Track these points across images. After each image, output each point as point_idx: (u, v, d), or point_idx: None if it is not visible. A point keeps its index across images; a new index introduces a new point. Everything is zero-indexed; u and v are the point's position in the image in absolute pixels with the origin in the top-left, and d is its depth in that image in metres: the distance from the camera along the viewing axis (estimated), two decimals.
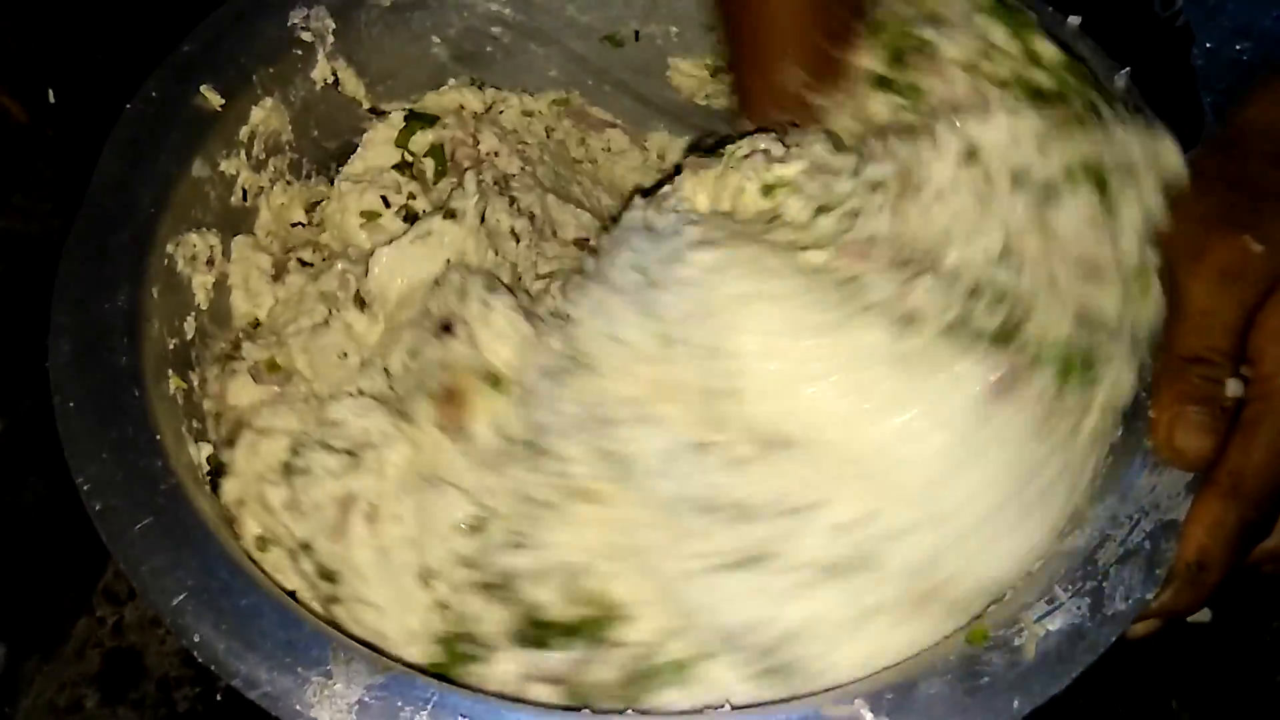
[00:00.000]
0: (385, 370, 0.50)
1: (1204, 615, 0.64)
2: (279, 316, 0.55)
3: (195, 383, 0.50)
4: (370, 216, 0.57)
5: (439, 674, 0.39)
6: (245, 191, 0.55)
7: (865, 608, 0.39)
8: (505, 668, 0.42)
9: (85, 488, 0.41)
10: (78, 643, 0.64)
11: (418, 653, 0.43)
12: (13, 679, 0.63)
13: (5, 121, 0.57)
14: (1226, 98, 0.86)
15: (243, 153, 0.55)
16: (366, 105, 0.61)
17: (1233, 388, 0.41)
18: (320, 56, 0.57)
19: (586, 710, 0.38)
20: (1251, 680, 0.64)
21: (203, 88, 0.52)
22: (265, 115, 0.55)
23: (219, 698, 0.62)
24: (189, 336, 0.50)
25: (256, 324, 0.55)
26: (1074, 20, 0.55)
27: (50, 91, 0.59)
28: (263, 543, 0.46)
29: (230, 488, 0.47)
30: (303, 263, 0.58)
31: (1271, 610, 0.66)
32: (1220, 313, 0.42)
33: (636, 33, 0.66)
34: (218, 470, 0.48)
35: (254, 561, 0.43)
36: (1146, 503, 0.41)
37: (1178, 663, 0.64)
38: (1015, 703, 0.37)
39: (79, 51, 0.62)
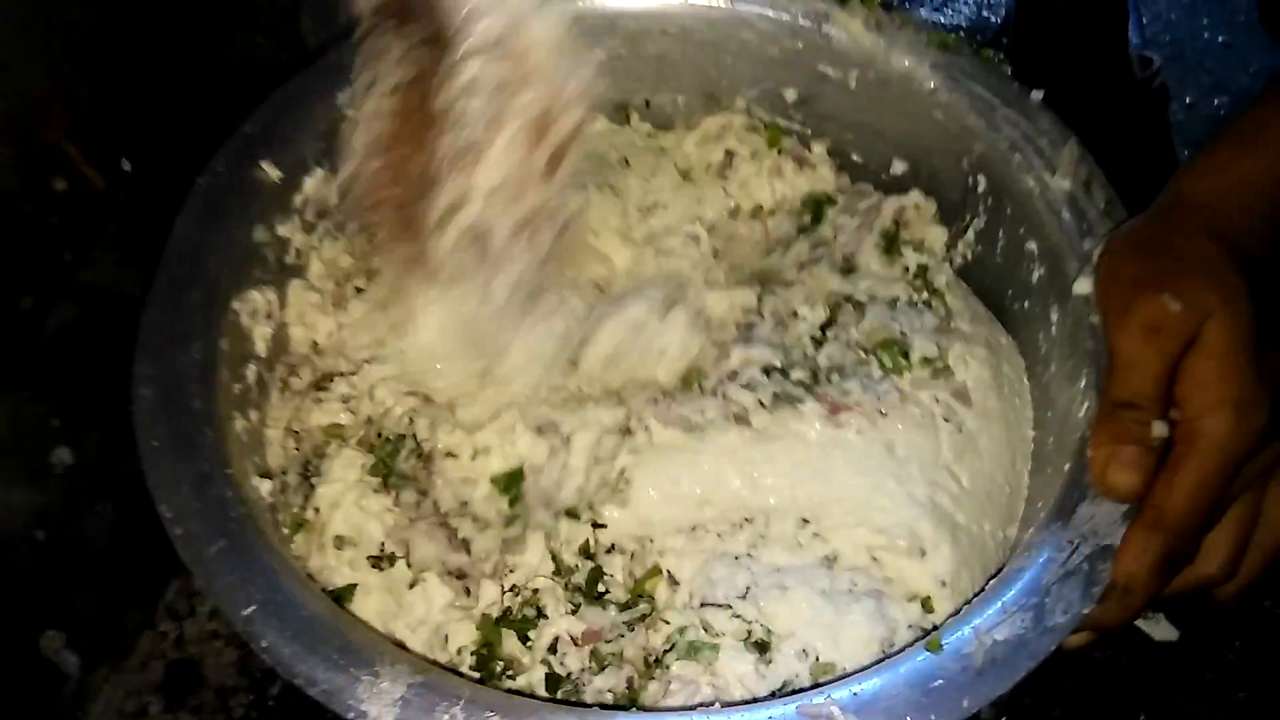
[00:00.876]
0: None
1: (1172, 634, 0.69)
2: (347, 340, 0.62)
3: (256, 420, 0.57)
4: None
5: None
6: (298, 251, 0.63)
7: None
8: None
9: (168, 515, 0.48)
10: (142, 655, 0.71)
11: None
12: (83, 688, 0.69)
13: (87, 188, 0.64)
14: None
15: (297, 218, 0.62)
16: None
17: (1158, 429, 0.47)
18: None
19: (596, 708, 0.45)
20: (1215, 696, 0.69)
21: (263, 163, 0.59)
22: (316, 184, 0.62)
23: (271, 704, 0.68)
24: (250, 381, 0.57)
25: (314, 345, 0.63)
26: (1037, 94, 0.61)
27: (124, 161, 0.66)
28: (340, 541, 0.53)
29: (325, 492, 0.55)
30: (358, 290, 0.65)
31: (1233, 631, 0.71)
32: (1145, 363, 0.47)
33: (647, 101, 0.73)
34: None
35: (310, 576, 0.49)
36: (1086, 529, 0.47)
37: (1147, 679, 0.69)
38: (965, 702, 0.43)
39: (148, 126, 0.69)
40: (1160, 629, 0.70)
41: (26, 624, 0.67)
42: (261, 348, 0.59)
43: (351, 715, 0.42)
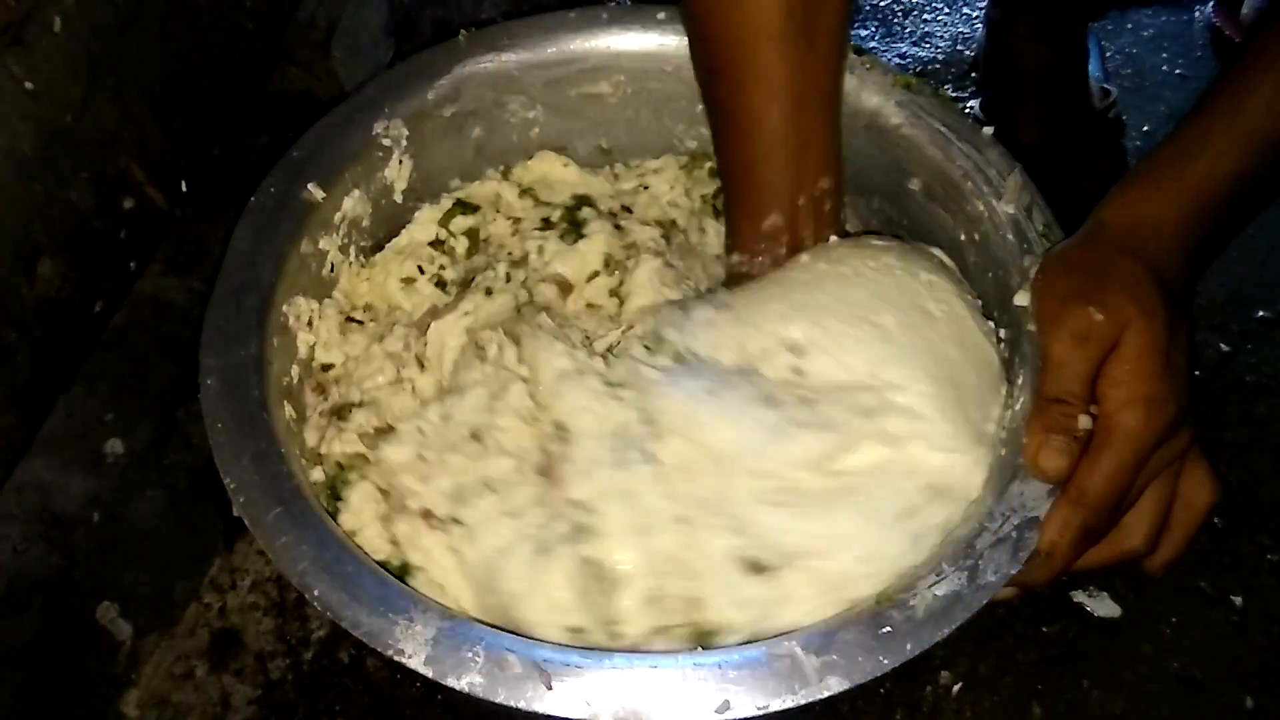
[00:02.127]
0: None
1: (1114, 611, 0.77)
2: (352, 370, 0.68)
3: (294, 412, 0.65)
4: (408, 281, 0.72)
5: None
6: (333, 265, 0.71)
7: None
8: None
9: (231, 486, 0.55)
10: (189, 623, 0.78)
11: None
12: (136, 652, 0.76)
13: (150, 207, 0.72)
14: None
15: (335, 234, 0.70)
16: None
17: (1084, 422, 0.54)
18: (394, 157, 0.73)
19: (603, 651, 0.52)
20: (1152, 667, 0.76)
21: (309, 185, 0.67)
22: (353, 204, 0.70)
23: (305, 668, 0.76)
24: (295, 378, 0.65)
25: (326, 367, 0.69)
26: (987, 130, 0.69)
27: (183, 182, 0.74)
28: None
29: (345, 519, 0.60)
30: (352, 319, 0.71)
31: (1169, 608, 0.78)
32: (1073, 365, 0.55)
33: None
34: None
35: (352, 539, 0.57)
36: (1016, 504, 0.54)
37: (1091, 651, 0.77)
38: (908, 645, 0.50)
39: (202, 150, 0.77)
40: (1103, 606, 0.77)
41: (84, 596, 0.73)
42: (303, 350, 0.67)
43: (390, 652, 0.50)
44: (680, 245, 0.74)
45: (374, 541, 0.60)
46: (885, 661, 0.50)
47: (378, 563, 0.56)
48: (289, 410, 0.63)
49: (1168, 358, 0.53)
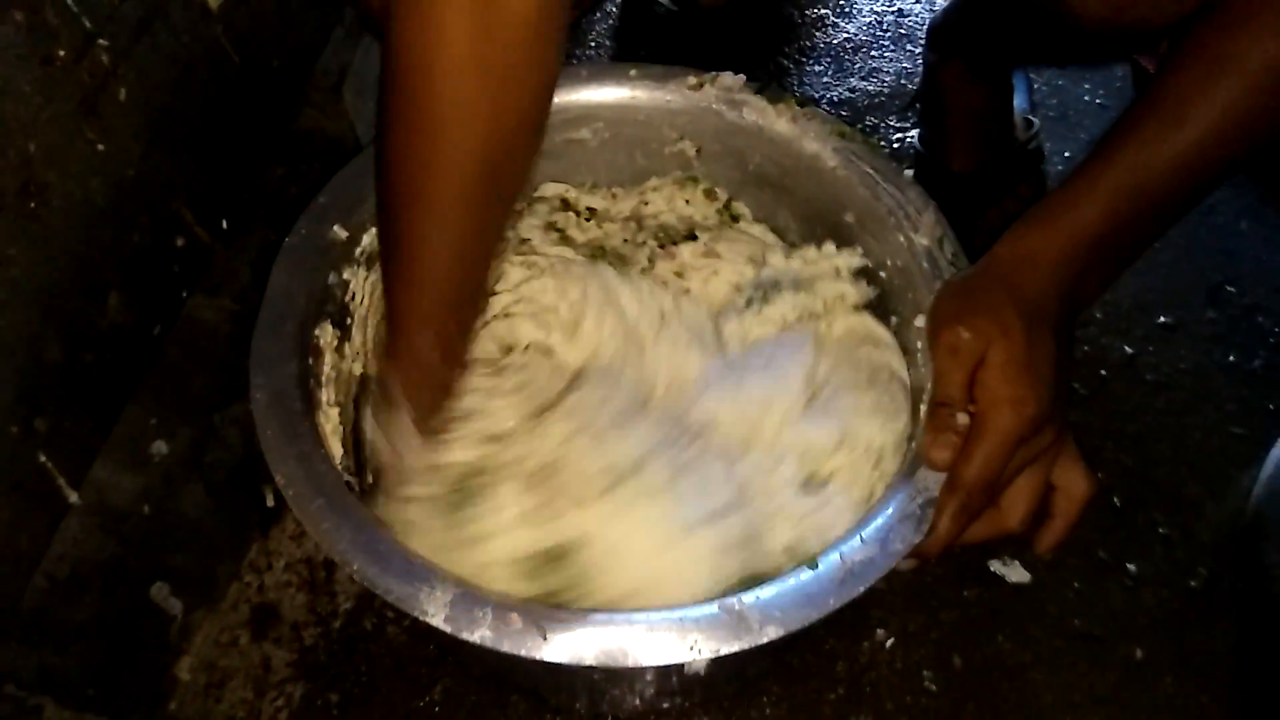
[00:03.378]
0: None
1: (1025, 577, 0.89)
2: None
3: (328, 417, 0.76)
4: None
5: None
6: (354, 294, 0.82)
7: None
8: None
9: (281, 481, 0.67)
10: (232, 600, 0.88)
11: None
12: (186, 626, 0.85)
13: (198, 243, 0.83)
14: None
15: (356, 266, 0.81)
16: None
17: (962, 419, 0.65)
18: None
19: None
20: (1056, 624, 0.87)
21: (335, 226, 0.79)
22: (371, 239, 0.82)
23: (334, 635, 0.86)
24: (324, 395, 0.77)
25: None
26: (908, 173, 0.81)
27: (224, 221, 0.86)
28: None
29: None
30: None
31: (1072, 574, 0.89)
32: (951, 374, 0.66)
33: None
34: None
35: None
36: (920, 487, 0.66)
37: (1005, 612, 0.87)
38: (831, 600, 0.62)
39: (239, 190, 0.89)
40: (1016, 573, 0.88)
41: (139, 579, 0.80)
42: (330, 371, 0.78)
43: (416, 612, 0.62)
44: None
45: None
46: (813, 614, 0.62)
47: None
48: (324, 417, 0.75)
49: (1028, 367, 0.63)
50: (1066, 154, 1.16)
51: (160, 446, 0.83)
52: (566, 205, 0.92)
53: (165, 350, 0.87)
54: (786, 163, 0.85)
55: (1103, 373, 0.99)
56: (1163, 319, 1.04)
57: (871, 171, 0.81)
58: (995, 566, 0.89)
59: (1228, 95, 0.62)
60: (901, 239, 0.78)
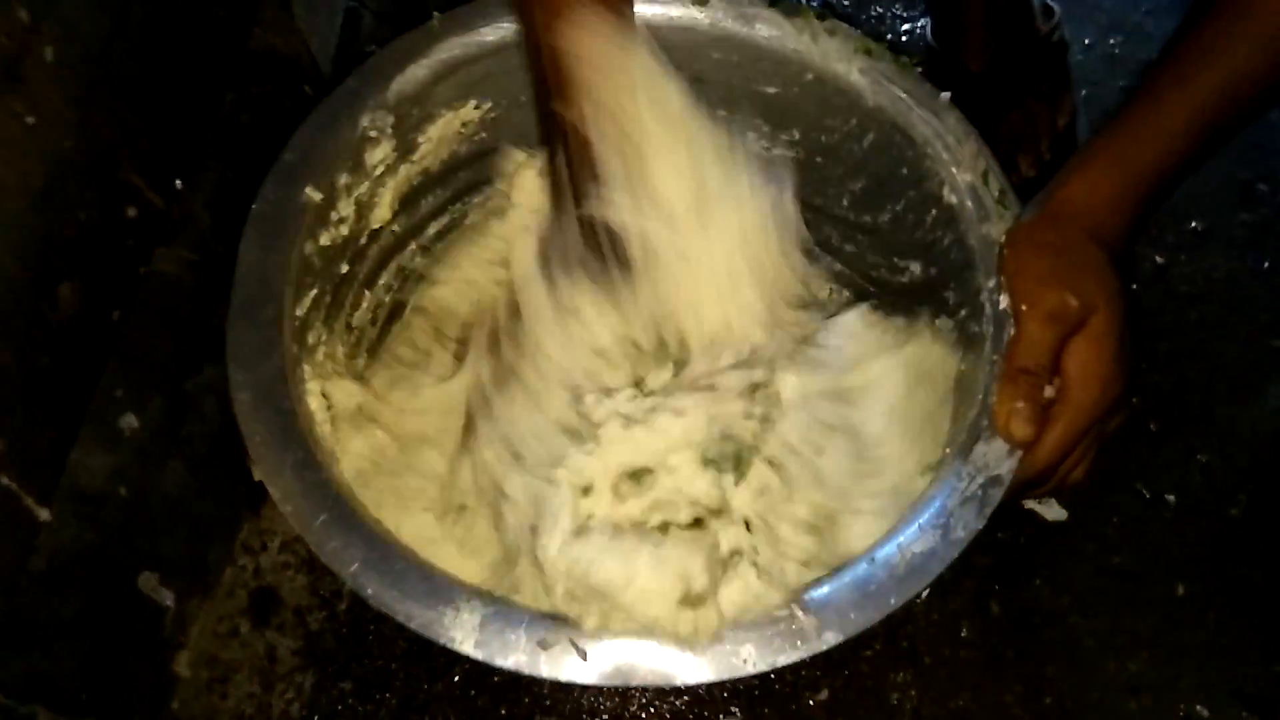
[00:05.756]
0: None
1: (1061, 515, 0.85)
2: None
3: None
4: None
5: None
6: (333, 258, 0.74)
7: None
8: None
9: (277, 496, 0.61)
10: (227, 585, 0.83)
11: None
12: (181, 616, 0.80)
13: (152, 210, 0.74)
14: (1098, 90, 1.04)
15: (332, 228, 0.73)
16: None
17: (1049, 391, 0.61)
18: (381, 145, 0.75)
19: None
20: (1096, 562, 0.85)
21: (307, 188, 0.70)
22: (351, 202, 0.73)
23: (341, 618, 0.82)
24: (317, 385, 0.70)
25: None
26: (945, 96, 0.73)
27: (178, 180, 0.77)
28: None
29: None
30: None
31: (1110, 510, 0.87)
32: (1044, 342, 0.61)
33: None
34: None
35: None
36: (981, 464, 0.61)
37: (1042, 552, 0.85)
38: (892, 599, 0.58)
39: (191, 144, 0.79)
40: (1052, 511, 0.84)
41: (124, 568, 0.76)
42: (323, 354, 0.71)
43: (443, 640, 0.57)
44: None
45: None
46: (873, 615, 0.58)
47: None
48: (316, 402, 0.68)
49: (1122, 341, 0.60)
50: (1086, 40, 1.07)
51: (130, 420, 0.77)
52: None
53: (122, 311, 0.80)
54: (806, 88, 0.77)
55: (1134, 286, 0.94)
56: (1194, 224, 0.99)
57: (904, 95, 0.73)
58: (1030, 504, 0.84)
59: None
60: (939, 172, 0.71)
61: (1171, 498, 0.86)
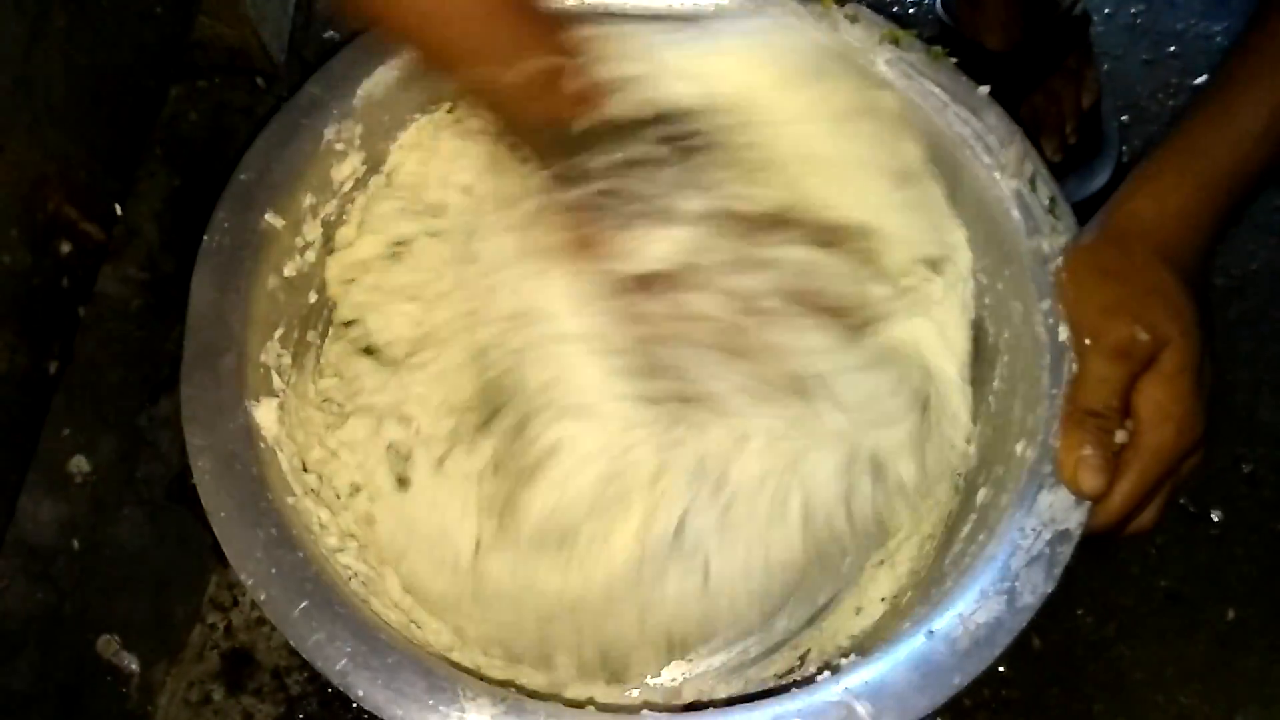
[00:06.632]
0: None
1: None
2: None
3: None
4: None
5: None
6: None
7: None
8: None
9: (249, 582, 0.53)
10: (196, 647, 0.76)
11: None
12: (147, 684, 0.74)
13: (89, 243, 0.65)
14: (1120, 64, 0.97)
15: (298, 255, 0.64)
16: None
17: (1120, 436, 0.54)
18: (349, 159, 0.67)
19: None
20: (1142, 587, 0.79)
21: (267, 214, 0.61)
22: (318, 228, 0.65)
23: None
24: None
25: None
26: (983, 90, 0.66)
27: (116, 206, 0.68)
28: None
29: None
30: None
31: (1155, 528, 0.80)
32: (1113, 380, 0.54)
33: None
34: None
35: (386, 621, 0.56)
36: (1046, 517, 0.55)
37: (1084, 576, 0.78)
38: (956, 679, 0.51)
39: (130, 165, 0.70)
40: None
41: (81, 631, 0.71)
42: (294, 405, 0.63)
43: None
44: None
45: None
46: (937, 698, 0.51)
47: None
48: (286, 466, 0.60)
49: (1199, 377, 0.54)
50: (1106, 9, 1.00)
51: (80, 463, 0.71)
52: None
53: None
54: None
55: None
56: None
57: (937, 90, 0.65)
58: None
59: None
60: (981, 178, 0.64)
61: (1217, 514, 0.81)
